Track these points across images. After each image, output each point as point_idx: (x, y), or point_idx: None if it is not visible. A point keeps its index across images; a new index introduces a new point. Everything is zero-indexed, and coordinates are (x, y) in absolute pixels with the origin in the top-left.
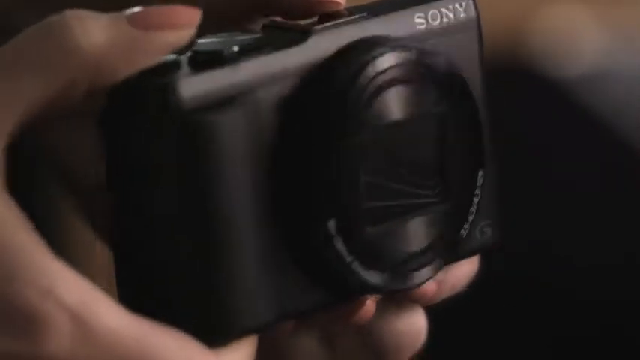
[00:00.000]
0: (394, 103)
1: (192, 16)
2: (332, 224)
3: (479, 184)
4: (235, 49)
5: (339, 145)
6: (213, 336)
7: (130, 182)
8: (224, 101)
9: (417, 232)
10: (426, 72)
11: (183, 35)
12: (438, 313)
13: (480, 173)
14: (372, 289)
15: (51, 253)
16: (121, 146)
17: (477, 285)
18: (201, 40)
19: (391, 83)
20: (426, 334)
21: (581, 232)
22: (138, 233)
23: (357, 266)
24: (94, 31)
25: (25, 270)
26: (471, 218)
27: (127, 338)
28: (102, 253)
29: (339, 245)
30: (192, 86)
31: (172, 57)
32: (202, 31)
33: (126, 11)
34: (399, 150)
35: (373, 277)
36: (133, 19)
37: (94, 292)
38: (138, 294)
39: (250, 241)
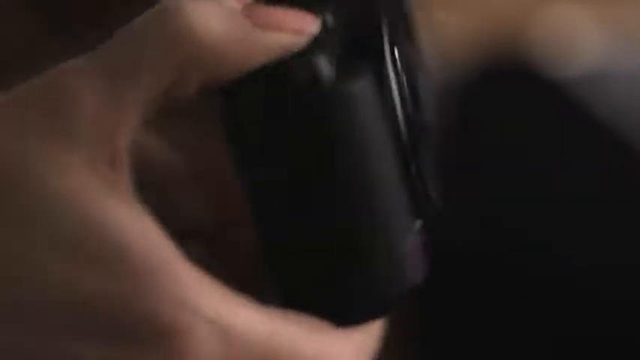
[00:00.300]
0: None
1: (310, 25)
2: None
3: None
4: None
5: None
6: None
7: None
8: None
9: None
10: None
11: (298, 41)
12: (439, 310)
13: None
14: None
15: (186, 262)
16: (264, 125)
17: (477, 285)
18: None
19: None
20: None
21: (581, 232)
22: (289, 210)
23: None
24: (210, 19)
25: (163, 282)
26: None
27: (262, 336)
28: None
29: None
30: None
31: None
32: None
33: (241, 6)
34: None
35: None
36: (252, 16)
37: (229, 296)
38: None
39: (399, 210)
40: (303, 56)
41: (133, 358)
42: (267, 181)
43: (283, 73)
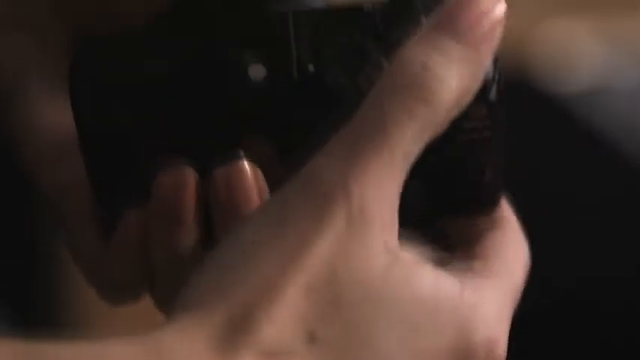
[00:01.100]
0: None
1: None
2: None
3: None
4: None
5: None
6: None
7: None
8: None
9: None
10: None
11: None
12: None
13: None
14: None
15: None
16: None
17: None
18: None
19: None
20: None
21: (581, 246)
22: None
23: None
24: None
25: (470, 318)
26: None
27: None
28: None
29: None
30: None
31: None
32: None
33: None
34: None
35: None
36: (466, 41)
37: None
38: None
39: None
40: None
41: None
42: None
43: None
